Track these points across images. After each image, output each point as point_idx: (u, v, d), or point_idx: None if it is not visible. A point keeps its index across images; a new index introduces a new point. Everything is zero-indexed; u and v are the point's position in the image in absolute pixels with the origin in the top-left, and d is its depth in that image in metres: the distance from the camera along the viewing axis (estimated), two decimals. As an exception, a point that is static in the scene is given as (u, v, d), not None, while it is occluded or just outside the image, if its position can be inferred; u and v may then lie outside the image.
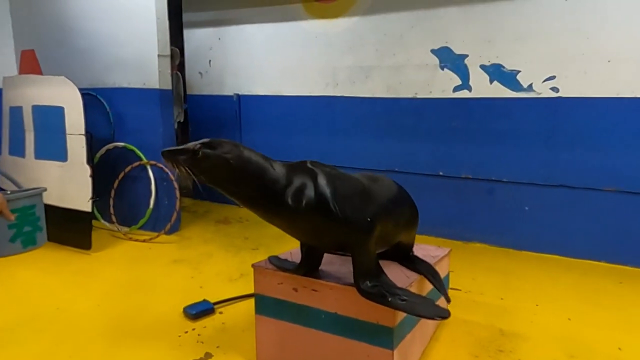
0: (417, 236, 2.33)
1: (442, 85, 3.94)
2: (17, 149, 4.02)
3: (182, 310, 2.66)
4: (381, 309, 1.72)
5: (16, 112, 4.00)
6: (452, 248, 2.66)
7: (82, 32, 4.25)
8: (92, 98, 4.20)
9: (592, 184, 3.50)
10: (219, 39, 5.06)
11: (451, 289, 2.80)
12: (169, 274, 3.30)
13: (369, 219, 1.80)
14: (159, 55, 3.94)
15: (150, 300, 2.88)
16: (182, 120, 5.07)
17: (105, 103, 4.24)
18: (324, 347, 1.89)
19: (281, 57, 4.71)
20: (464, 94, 3.87)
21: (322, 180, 1.78)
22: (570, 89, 3.50)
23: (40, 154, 3.87)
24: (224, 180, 1.73)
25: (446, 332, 2.45)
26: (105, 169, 4.19)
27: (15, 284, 3.14)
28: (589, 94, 3.44)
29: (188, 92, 5.52)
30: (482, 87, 3.79)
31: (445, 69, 3.92)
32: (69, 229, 3.64)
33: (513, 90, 3.68)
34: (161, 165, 4.06)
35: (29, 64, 3.98)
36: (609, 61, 3.35)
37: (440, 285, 2.11)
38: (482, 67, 3.77)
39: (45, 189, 1.48)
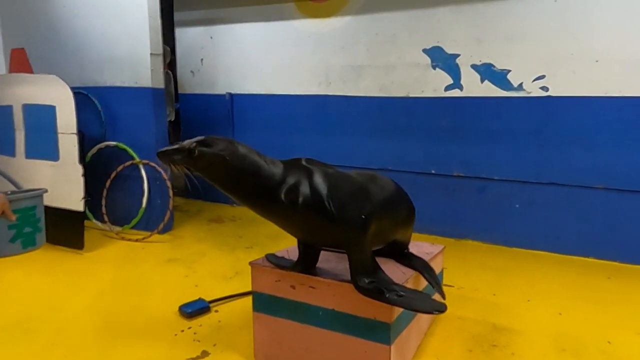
0: (410, 234, 2.36)
1: (433, 84, 3.98)
2: (7, 148, 3.97)
3: (177, 309, 2.66)
4: (378, 305, 1.74)
5: (6, 111, 3.95)
6: (445, 245, 2.70)
7: (74, 30, 4.21)
8: (83, 97, 4.17)
9: (581, 181, 3.56)
10: (211, 37, 5.04)
11: (444, 285, 2.82)
12: (163, 273, 3.29)
13: (363, 217, 1.82)
14: (151, 54, 3.92)
15: (145, 299, 2.87)
16: (173, 119, 5.05)
17: (96, 102, 4.21)
18: (321, 343, 1.91)
19: (274, 56, 4.71)
20: (455, 93, 3.92)
21: (317, 178, 1.80)
22: (559, 88, 3.56)
23: (31, 154, 3.83)
24: (221, 177, 1.74)
25: (440, 328, 2.49)
26: (97, 169, 4.16)
27: (8, 285, 3.11)
28: (578, 93, 3.50)
29: (180, 91, 5.51)
30: (473, 87, 3.83)
31: (437, 69, 3.96)
32: (61, 229, 3.60)
33: (503, 89, 3.74)
34: (154, 165, 4.05)
35: (19, 62, 3.94)
36: (597, 61, 3.42)
37: (436, 281, 2.14)
38: (473, 66, 3.81)
39: (46, 190, 1.48)
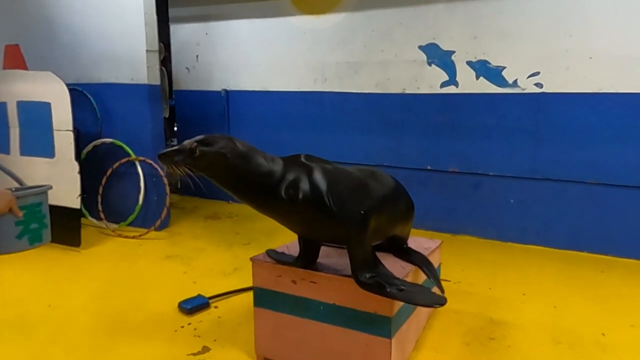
0: (406, 229, 2.38)
1: (429, 81, 4.01)
2: (1, 146, 3.94)
3: (176, 305, 2.67)
4: (379, 299, 1.76)
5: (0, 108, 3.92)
6: (442, 240, 2.73)
7: (68, 26, 4.18)
8: (78, 94, 4.14)
9: (575, 176, 3.61)
10: (206, 34, 5.03)
11: (441, 280, 2.87)
12: (161, 270, 3.30)
13: (362, 212, 1.84)
14: (147, 50, 3.91)
15: (144, 296, 2.87)
16: (167, 116, 5.05)
17: (91, 99, 4.18)
18: (322, 337, 1.93)
19: (270, 53, 4.71)
20: (451, 89, 3.95)
21: (316, 174, 1.82)
22: (553, 85, 3.60)
23: (26, 151, 3.81)
24: (222, 175, 1.75)
25: (438, 322, 2.52)
26: (93, 166, 4.14)
27: (5, 282, 3.09)
28: (572, 89, 3.55)
29: (175, 88, 5.49)
30: (469, 83, 3.87)
31: (432, 65, 3.99)
32: (57, 227, 3.57)
33: (498, 86, 3.77)
34: (150, 161, 4.04)
35: (14, 58, 3.90)
36: (590, 58, 3.46)
37: (435, 275, 2.17)
38: (469, 63, 3.84)
39: (51, 187, 1.48)
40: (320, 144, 4.51)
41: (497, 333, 2.42)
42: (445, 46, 3.91)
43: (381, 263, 1.88)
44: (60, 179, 3.61)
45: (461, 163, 4.00)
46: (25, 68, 3.95)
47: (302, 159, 1.89)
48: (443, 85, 3.96)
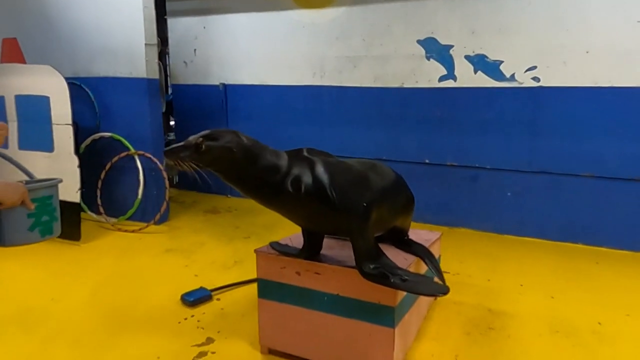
0: (404, 223, 2.41)
1: (428, 75, 4.03)
2: (-1, 140, 3.93)
3: (179, 298, 2.69)
4: (382, 289, 1.80)
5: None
6: (442, 233, 2.77)
7: (67, 19, 4.15)
8: (76, 88, 4.13)
9: (571, 169, 3.66)
10: (204, 27, 5.01)
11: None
12: (163, 264, 3.32)
13: (364, 205, 1.87)
14: (146, 44, 3.90)
15: (146, 289, 2.89)
16: (163, 111, 5.02)
17: (90, 93, 4.17)
18: (326, 327, 1.97)
19: (268, 47, 4.71)
20: (449, 83, 3.98)
21: (319, 168, 1.84)
22: (550, 79, 3.64)
23: (24, 145, 3.80)
24: (228, 169, 1.76)
25: (438, 313, 2.56)
26: (91, 160, 4.14)
27: (7, 276, 3.10)
28: (569, 83, 3.59)
29: (173, 82, 5.49)
30: (467, 77, 3.90)
31: (431, 59, 4.01)
32: (57, 220, 3.59)
33: (496, 80, 3.81)
34: (149, 155, 4.04)
35: (11, 52, 3.88)
36: (587, 52, 3.50)
37: (436, 266, 2.20)
38: (467, 57, 3.87)
39: (61, 180, 1.50)
40: (319, 138, 4.53)
41: (496, 323, 2.46)
42: (443, 40, 3.93)
43: (384, 254, 1.91)
44: (60, 173, 3.53)
45: (459, 156, 4.04)
46: (24, 62, 3.93)
47: (305, 153, 1.91)
48: (441, 79, 3.99)
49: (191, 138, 1.72)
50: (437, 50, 3.97)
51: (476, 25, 3.80)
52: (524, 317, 2.53)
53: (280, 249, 2.10)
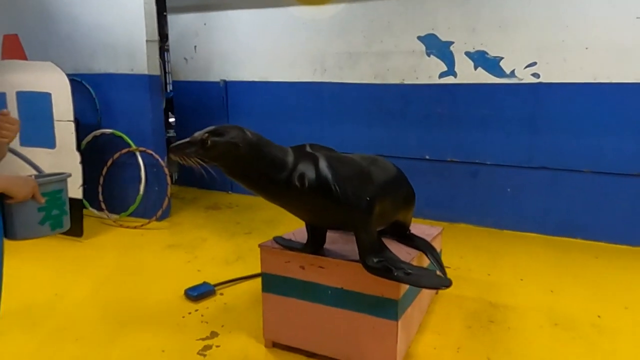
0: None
1: (428, 71, 4.05)
2: (1, 136, 3.93)
3: (182, 293, 2.71)
4: (386, 282, 1.82)
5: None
6: (443, 228, 2.80)
7: (67, 16, 4.15)
8: (77, 84, 4.13)
9: (570, 165, 3.69)
10: (205, 24, 5.01)
11: (442, 266, 2.95)
12: (165, 259, 3.34)
13: (368, 199, 1.89)
14: (147, 41, 3.90)
15: (150, 284, 2.91)
16: (163, 108, 5.03)
17: (91, 89, 4.18)
18: (330, 320, 1.99)
19: (269, 43, 4.72)
20: (449, 79, 3.99)
21: (322, 163, 1.86)
22: (550, 75, 3.66)
23: (26, 141, 3.79)
24: (234, 164, 1.77)
25: (440, 306, 2.59)
26: (92, 156, 4.15)
27: (10, 272, 3.09)
28: (568, 79, 3.61)
29: (174, 78, 5.49)
30: (467, 73, 3.91)
31: (431, 56, 4.03)
32: (59, 217, 3.60)
33: (496, 76, 3.82)
34: (151, 152, 4.05)
35: (12, 49, 3.87)
36: (586, 48, 3.52)
37: (438, 260, 2.23)
38: (467, 53, 3.89)
39: (70, 174, 1.51)
40: (320, 134, 4.54)
41: (497, 316, 2.49)
42: (444, 37, 3.95)
43: (387, 248, 1.94)
44: (62, 169, 3.60)
45: (459, 152, 4.06)
46: (25, 58, 3.93)
47: (308, 149, 1.93)
48: (442, 75, 4.01)
49: (197, 134, 1.73)
50: (437, 47, 3.99)
51: (476, 21, 3.82)
52: (524, 310, 2.56)
53: (285, 244, 2.12)
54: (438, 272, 2.18)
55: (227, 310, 2.56)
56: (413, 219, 2.40)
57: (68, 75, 3.72)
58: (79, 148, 3.68)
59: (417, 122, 4.17)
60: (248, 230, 3.93)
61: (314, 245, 2.05)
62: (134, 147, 4.09)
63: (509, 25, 3.72)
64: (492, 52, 3.80)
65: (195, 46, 5.12)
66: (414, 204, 2.36)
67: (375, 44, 4.22)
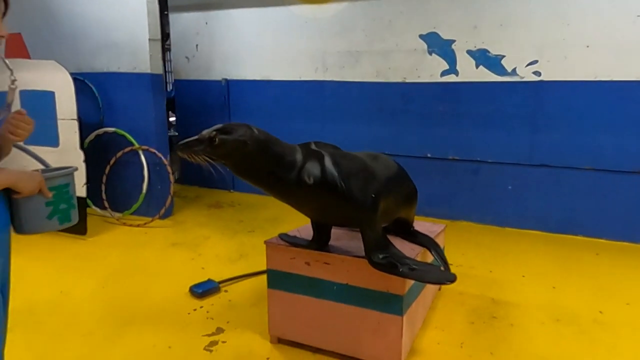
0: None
1: (430, 69, 4.06)
2: (4, 135, 3.95)
3: (187, 290, 2.73)
4: (391, 278, 1.84)
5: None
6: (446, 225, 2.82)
7: (70, 15, 4.16)
8: (79, 83, 4.14)
9: (571, 163, 3.71)
10: (206, 23, 5.02)
11: (444, 263, 2.97)
12: (169, 257, 3.35)
13: (373, 196, 1.91)
14: (150, 39, 3.91)
15: (154, 281, 2.93)
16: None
17: (93, 88, 4.19)
18: (336, 316, 2.01)
19: (270, 42, 4.73)
20: (451, 78, 4.01)
21: (328, 161, 1.88)
22: (551, 73, 3.68)
23: (29, 140, 3.71)
24: (242, 162, 1.78)
25: (443, 302, 2.61)
26: (95, 155, 4.15)
27: (14, 270, 3.11)
28: (569, 77, 3.63)
29: (175, 77, 5.50)
30: (469, 72, 3.93)
31: (433, 54, 4.04)
32: (63, 215, 3.62)
33: (498, 74, 3.84)
34: (154, 150, 4.07)
35: (15, 47, 3.89)
36: (587, 46, 3.54)
37: (442, 257, 2.25)
38: (469, 52, 3.90)
39: (76, 168, 1.52)
40: (321, 133, 4.55)
41: (500, 312, 2.51)
42: (445, 35, 3.96)
43: (392, 244, 1.95)
44: (66, 168, 3.64)
45: (460, 150, 4.08)
46: (28, 57, 3.94)
47: (313, 146, 1.95)
48: (443, 74, 4.02)
49: (205, 132, 1.75)
50: (439, 45, 4.00)
51: (478, 20, 3.83)
52: (527, 306, 2.58)
53: (290, 240, 2.14)
54: (442, 268, 2.19)
55: (232, 307, 2.58)
56: (415, 217, 2.42)
57: (71, 74, 3.73)
58: (82, 147, 3.69)
59: (419, 120, 4.18)
60: (251, 229, 3.94)
61: (319, 241, 2.07)
62: (136, 145, 4.10)
63: (510, 23, 3.74)
64: (494, 51, 3.82)
65: (196, 45, 5.13)
66: (416, 201, 2.38)
67: (376, 42, 4.24)
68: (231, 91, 5.04)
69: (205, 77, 5.14)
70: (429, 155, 4.21)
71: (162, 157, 4.06)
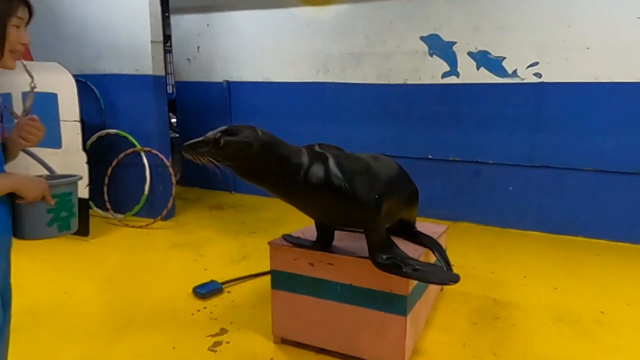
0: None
1: (431, 71, 4.09)
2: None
3: (190, 291, 2.74)
4: (394, 278, 1.85)
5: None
6: (447, 226, 2.83)
7: (73, 17, 4.18)
8: (81, 84, 4.15)
9: (571, 164, 3.73)
10: (208, 25, 5.04)
11: (446, 264, 2.98)
12: (172, 258, 3.36)
13: (376, 197, 1.92)
14: (152, 41, 3.93)
15: (158, 282, 2.94)
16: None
17: (95, 89, 4.21)
18: (339, 316, 2.02)
19: (272, 44, 4.75)
20: (452, 79, 4.03)
21: (331, 162, 1.89)
22: (552, 75, 3.70)
23: (33, 142, 3.82)
24: (247, 163, 1.79)
25: (445, 303, 2.62)
26: (97, 157, 4.17)
27: (18, 271, 3.11)
28: (570, 79, 3.65)
29: (176, 79, 5.51)
30: (470, 73, 3.95)
31: (434, 56, 4.06)
32: (66, 216, 3.63)
33: (498, 76, 3.86)
34: (155, 152, 4.08)
35: (18, 49, 3.90)
36: (588, 48, 3.56)
37: (444, 257, 2.25)
38: (470, 54, 3.92)
39: (81, 177, 1.52)
40: (323, 135, 4.55)
41: (502, 313, 2.53)
42: (446, 37, 3.99)
43: (396, 245, 1.97)
44: (68, 170, 3.57)
45: (461, 152, 4.10)
46: (31, 59, 3.95)
47: (317, 148, 1.96)
48: (444, 75, 4.04)
49: (209, 133, 1.75)
50: (440, 47, 4.02)
51: (479, 22, 3.86)
52: (528, 307, 2.60)
53: (293, 241, 2.15)
54: (445, 269, 2.21)
55: (235, 307, 2.59)
56: (417, 218, 2.43)
57: (73, 75, 3.74)
58: (84, 148, 3.70)
59: (420, 122, 4.20)
60: (253, 230, 3.96)
61: (323, 242, 2.08)
62: (138, 147, 4.12)
63: (511, 25, 3.76)
64: (495, 52, 3.84)
65: (198, 47, 5.15)
66: (417, 201, 2.39)
67: (378, 44, 4.26)
68: (232, 93, 5.06)
69: (206, 78, 5.16)
70: (430, 156, 4.23)
71: (164, 159, 4.08)
